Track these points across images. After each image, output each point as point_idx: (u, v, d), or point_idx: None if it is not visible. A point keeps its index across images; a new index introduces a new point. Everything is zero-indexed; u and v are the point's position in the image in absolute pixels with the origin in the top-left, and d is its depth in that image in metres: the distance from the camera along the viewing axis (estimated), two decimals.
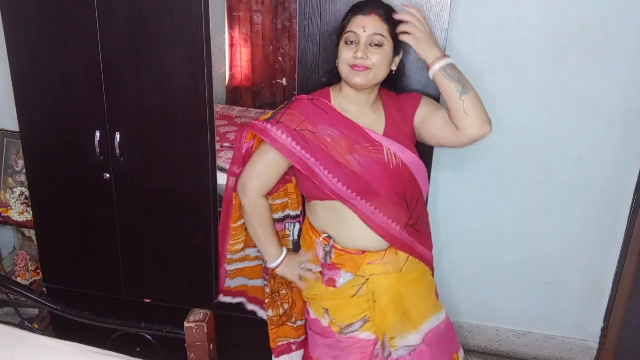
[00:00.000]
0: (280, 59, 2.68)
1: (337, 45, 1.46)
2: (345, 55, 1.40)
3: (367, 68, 1.39)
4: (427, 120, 1.49)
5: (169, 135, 1.91)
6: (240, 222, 1.64)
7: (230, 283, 1.76)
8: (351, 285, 1.53)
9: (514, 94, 2.06)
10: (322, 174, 1.44)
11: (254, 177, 1.51)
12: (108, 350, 1.49)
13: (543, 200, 2.17)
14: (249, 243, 1.69)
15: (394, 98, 1.54)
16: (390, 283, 1.53)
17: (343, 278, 1.53)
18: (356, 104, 1.49)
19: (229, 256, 1.70)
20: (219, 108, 2.96)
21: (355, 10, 1.42)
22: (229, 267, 1.72)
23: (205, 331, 1.41)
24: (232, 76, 2.74)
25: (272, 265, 1.59)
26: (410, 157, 1.48)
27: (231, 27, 2.56)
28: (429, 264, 1.64)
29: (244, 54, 2.55)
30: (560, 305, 2.30)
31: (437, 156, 2.08)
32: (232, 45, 2.63)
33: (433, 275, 1.68)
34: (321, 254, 1.54)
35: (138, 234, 2.08)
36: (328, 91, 1.53)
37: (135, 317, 1.77)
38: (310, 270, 1.57)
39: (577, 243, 2.20)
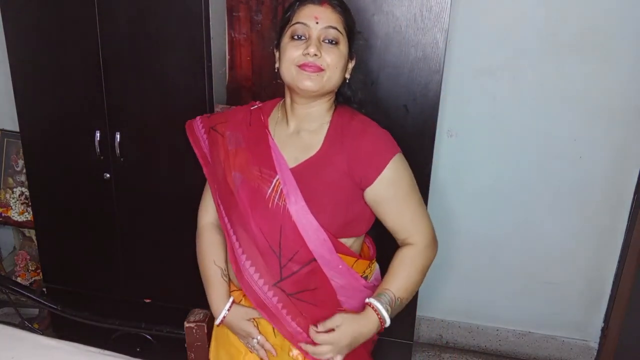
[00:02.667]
0: None
1: (277, 44, 1.22)
2: (292, 53, 1.14)
3: (321, 69, 1.13)
4: (374, 206, 1.20)
5: (169, 135, 1.91)
6: None
7: None
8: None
9: (514, 94, 2.06)
10: (212, 184, 1.29)
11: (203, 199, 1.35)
12: (108, 350, 1.49)
13: (543, 200, 2.17)
14: None
15: (352, 127, 1.19)
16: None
17: None
18: (291, 118, 1.22)
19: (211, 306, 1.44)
20: (219, 108, 2.97)
21: (303, 0, 1.17)
22: (218, 323, 1.41)
23: (205, 331, 1.41)
24: (232, 76, 2.73)
25: (217, 318, 1.29)
26: (298, 208, 1.14)
27: (231, 27, 2.55)
28: None
29: (244, 54, 2.54)
30: (560, 305, 2.30)
31: (437, 156, 2.08)
32: (232, 45, 2.63)
33: None
34: None
35: (138, 234, 2.08)
36: (277, 102, 1.32)
37: (135, 317, 1.77)
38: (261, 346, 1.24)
39: (577, 243, 2.20)
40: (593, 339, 2.33)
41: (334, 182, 1.16)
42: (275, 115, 1.28)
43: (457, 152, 2.16)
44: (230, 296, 1.28)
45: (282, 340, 1.24)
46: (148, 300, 2.15)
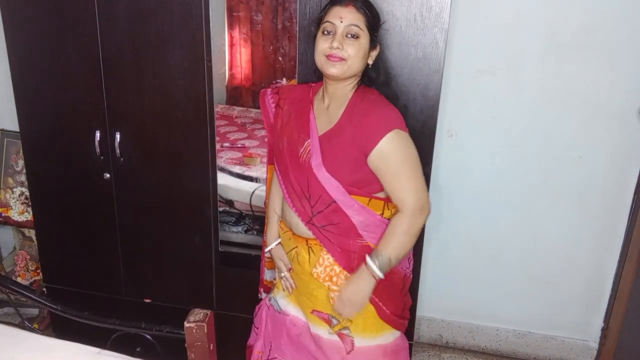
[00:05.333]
0: (280, 59, 2.68)
1: (315, 36, 1.47)
2: (322, 45, 1.41)
3: (342, 59, 1.39)
4: (375, 172, 1.45)
5: (169, 135, 1.91)
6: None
7: (267, 275, 1.83)
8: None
9: (514, 94, 2.06)
10: (272, 141, 1.62)
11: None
12: (108, 350, 1.49)
13: (543, 200, 2.17)
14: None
15: (361, 107, 1.45)
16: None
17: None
18: (326, 95, 1.51)
19: (266, 238, 1.78)
20: (219, 108, 2.96)
21: (333, 1, 1.44)
22: (267, 251, 1.76)
23: (205, 331, 1.41)
24: (232, 76, 2.73)
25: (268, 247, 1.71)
26: (316, 164, 1.46)
27: (231, 27, 2.55)
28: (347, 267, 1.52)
29: (244, 54, 2.55)
30: (560, 305, 2.30)
31: (437, 156, 2.08)
32: (232, 45, 2.63)
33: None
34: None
35: (138, 234, 2.08)
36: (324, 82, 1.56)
37: (135, 317, 1.77)
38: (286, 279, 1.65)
39: (577, 243, 2.20)
40: (593, 339, 2.33)
41: (343, 149, 1.43)
42: (320, 92, 1.54)
43: (457, 152, 2.16)
44: (279, 237, 1.67)
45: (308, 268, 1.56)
46: (148, 300, 2.15)
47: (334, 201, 1.47)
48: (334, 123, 1.47)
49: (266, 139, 1.76)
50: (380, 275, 1.44)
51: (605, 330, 2.28)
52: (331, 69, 1.40)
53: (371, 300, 1.51)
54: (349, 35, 1.39)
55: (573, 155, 2.09)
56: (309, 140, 1.47)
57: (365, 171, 1.44)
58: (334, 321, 1.55)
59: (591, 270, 2.23)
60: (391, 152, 1.40)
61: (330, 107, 1.49)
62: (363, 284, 1.47)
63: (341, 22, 1.39)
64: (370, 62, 1.47)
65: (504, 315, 2.38)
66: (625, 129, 2.03)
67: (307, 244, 1.54)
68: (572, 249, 2.21)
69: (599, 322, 2.30)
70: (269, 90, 1.65)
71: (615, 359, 2.20)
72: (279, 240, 1.68)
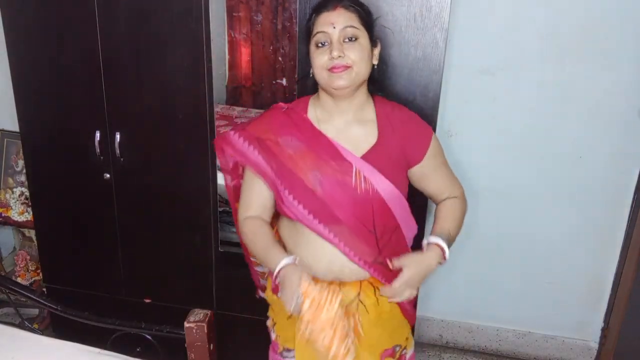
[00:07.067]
0: (280, 59, 2.68)
1: (308, 53, 1.33)
2: (320, 60, 1.27)
3: (347, 67, 1.25)
4: (420, 178, 1.40)
5: (169, 135, 1.91)
6: None
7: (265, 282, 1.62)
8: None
9: (514, 94, 2.06)
10: (280, 188, 1.32)
11: (240, 200, 1.42)
12: (108, 350, 1.49)
13: (543, 200, 2.17)
14: None
15: (396, 115, 1.37)
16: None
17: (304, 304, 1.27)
18: (337, 114, 1.34)
19: (253, 259, 1.61)
20: (219, 108, 2.96)
21: (318, 9, 1.30)
22: (259, 269, 1.63)
23: (205, 331, 1.41)
24: (232, 76, 2.73)
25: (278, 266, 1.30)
26: (385, 186, 1.31)
27: (231, 27, 2.55)
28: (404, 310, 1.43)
29: (244, 54, 2.55)
30: (560, 305, 2.30)
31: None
32: (232, 45, 2.63)
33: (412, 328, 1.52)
34: None
35: (138, 234, 2.08)
36: (307, 101, 1.40)
37: (135, 317, 1.77)
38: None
39: (577, 243, 2.20)
40: (593, 339, 2.33)
41: (391, 162, 1.34)
42: (313, 114, 1.37)
43: (457, 152, 2.16)
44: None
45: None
46: (148, 300, 2.15)
47: (398, 225, 1.37)
48: (372, 141, 1.33)
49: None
50: (448, 252, 1.35)
51: (605, 330, 2.28)
52: (338, 82, 1.26)
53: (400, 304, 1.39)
54: (347, 40, 1.26)
55: (573, 155, 2.09)
56: (355, 166, 1.30)
57: (406, 181, 1.39)
58: (397, 348, 1.44)
59: (591, 270, 2.23)
60: (439, 151, 1.41)
61: (352, 125, 1.34)
62: (433, 260, 1.33)
63: (334, 27, 1.25)
64: (375, 62, 1.34)
65: (504, 315, 2.37)
66: (625, 129, 2.02)
67: (368, 286, 1.35)
68: (572, 249, 2.21)
69: (599, 322, 2.30)
70: (230, 132, 1.40)
71: (615, 359, 2.20)
72: (295, 257, 1.31)
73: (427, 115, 1.69)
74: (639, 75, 1.95)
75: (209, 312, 1.46)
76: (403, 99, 1.66)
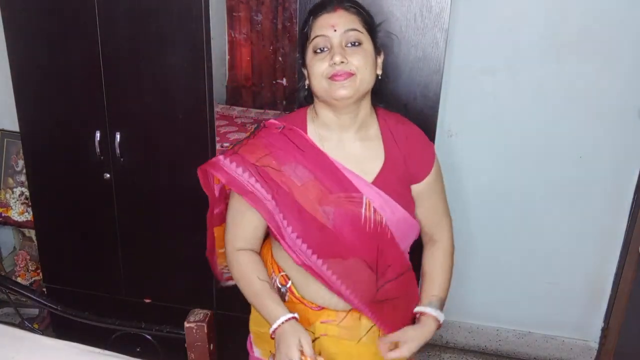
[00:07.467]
0: (280, 59, 2.68)
1: (303, 62, 1.19)
2: (319, 67, 1.12)
3: (351, 74, 1.11)
4: (417, 198, 1.26)
5: (169, 135, 1.91)
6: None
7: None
8: None
9: (514, 94, 2.06)
10: (279, 221, 1.16)
11: (226, 228, 1.27)
12: (108, 350, 1.49)
13: (543, 201, 2.17)
14: None
15: (400, 129, 1.24)
16: (343, 350, 1.26)
17: None
18: (337, 130, 1.19)
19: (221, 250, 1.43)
20: (219, 108, 2.96)
21: (316, 11, 1.16)
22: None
23: (205, 331, 1.41)
24: (232, 76, 2.73)
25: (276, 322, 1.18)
26: (400, 214, 1.19)
27: (231, 27, 2.55)
28: None
29: (244, 54, 2.55)
30: (560, 305, 2.30)
31: (437, 156, 2.07)
32: (232, 45, 2.63)
33: None
34: None
35: (138, 234, 2.08)
36: (303, 116, 1.23)
37: (135, 317, 1.77)
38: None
39: (577, 243, 2.20)
40: (593, 339, 2.33)
41: (400, 183, 1.22)
42: (314, 133, 1.21)
43: (457, 152, 2.16)
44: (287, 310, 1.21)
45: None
46: (148, 300, 2.15)
47: (407, 269, 1.26)
48: (380, 161, 1.21)
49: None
50: (442, 319, 1.26)
51: (605, 330, 2.27)
52: (340, 91, 1.10)
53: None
54: (349, 44, 1.12)
55: (573, 155, 2.09)
56: (365, 196, 1.16)
57: (412, 200, 1.26)
58: None
59: (591, 270, 2.23)
60: (438, 169, 1.27)
61: (358, 143, 1.21)
62: (429, 333, 1.24)
63: (335, 30, 1.12)
64: (379, 72, 1.20)
65: (504, 315, 2.37)
66: (625, 129, 2.02)
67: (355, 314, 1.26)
68: (572, 249, 2.21)
69: (599, 322, 2.30)
70: (220, 158, 1.21)
71: (615, 359, 2.20)
72: (294, 315, 1.18)
73: (427, 115, 1.69)
74: (639, 76, 1.95)
75: (209, 312, 1.46)
76: (403, 99, 1.67)
